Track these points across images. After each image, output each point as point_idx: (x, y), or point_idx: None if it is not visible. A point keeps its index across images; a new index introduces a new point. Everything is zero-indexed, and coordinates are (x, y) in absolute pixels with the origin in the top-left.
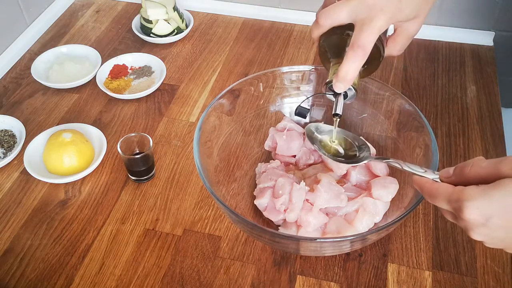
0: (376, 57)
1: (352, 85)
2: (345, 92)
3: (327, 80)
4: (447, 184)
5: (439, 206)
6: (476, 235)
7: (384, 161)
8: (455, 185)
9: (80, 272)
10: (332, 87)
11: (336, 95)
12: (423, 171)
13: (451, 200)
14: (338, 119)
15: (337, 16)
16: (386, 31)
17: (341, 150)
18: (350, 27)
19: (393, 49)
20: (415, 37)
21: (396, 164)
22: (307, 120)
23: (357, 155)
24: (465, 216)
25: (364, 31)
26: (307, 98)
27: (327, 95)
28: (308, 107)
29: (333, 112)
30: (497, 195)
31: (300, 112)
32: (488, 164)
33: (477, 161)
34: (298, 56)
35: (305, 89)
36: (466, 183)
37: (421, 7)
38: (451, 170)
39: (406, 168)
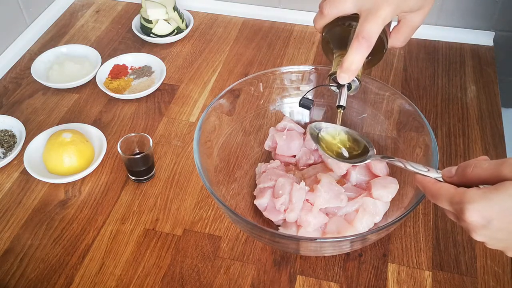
0: (379, 49)
1: (355, 77)
2: (349, 83)
3: (331, 72)
4: (449, 185)
5: (441, 206)
6: (477, 236)
7: (387, 160)
8: (457, 185)
9: (80, 272)
10: (335, 78)
11: (339, 86)
12: (426, 170)
13: (453, 202)
14: (342, 111)
15: (342, 6)
16: (390, 23)
17: (346, 153)
18: (354, 18)
19: (397, 40)
20: (415, 37)
21: (399, 163)
22: (307, 120)
23: (360, 154)
24: (466, 219)
25: (369, 21)
26: (311, 89)
27: (331, 87)
28: (312, 99)
29: (337, 104)
30: (498, 198)
31: (304, 103)
32: (490, 166)
33: (479, 162)
34: (298, 56)
35: (305, 89)
36: (468, 184)
37: None
38: (453, 169)
39: (409, 167)
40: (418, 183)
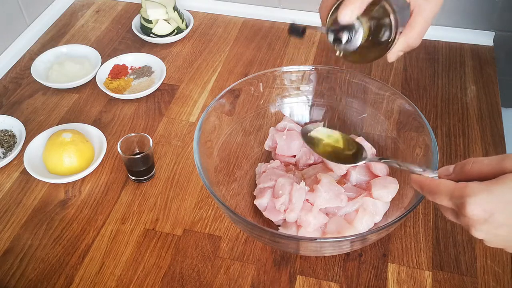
0: (383, 41)
1: (358, 23)
2: (349, 33)
3: (329, 27)
4: (448, 181)
5: (439, 204)
6: (478, 233)
7: (382, 161)
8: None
9: (80, 272)
10: (334, 31)
11: (336, 40)
12: (421, 170)
13: (453, 196)
14: (341, 46)
15: None
16: (398, 23)
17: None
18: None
19: (411, 35)
20: None
21: (394, 164)
22: (307, 120)
23: (355, 153)
24: (467, 213)
25: None
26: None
27: (328, 37)
28: (302, 25)
29: (336, 54)
30: (499, 191)
31: (294, 28)
32: (491, 161)
33: (477, 158)
34: (298, 56)
35: (305, 89)
36: (467, 180)
37: None
38: (450, 168)
39: (404, 168)
40: (414, 183)
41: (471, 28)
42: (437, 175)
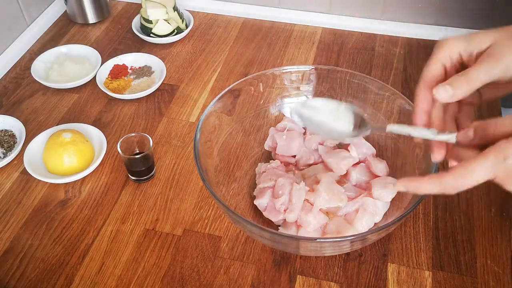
0: None
1: None
2: None
3: None
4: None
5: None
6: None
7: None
8: (477, 147)
9: (80, 272)
10: None
11: None
12: (435, 132)
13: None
14: None
15: None
16: None
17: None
18: None
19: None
20: (415, 37)
21: (404, 130)
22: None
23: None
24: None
25: None
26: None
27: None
28: None
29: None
30: None
31: None
32: None
33: (498, 120)
34: (298, 56)
35: (305, 89)
36: (488, 144)
37: None
38: (470, 132)
39: (416, 134)
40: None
41: (471, 28)
42: (451, 136)
